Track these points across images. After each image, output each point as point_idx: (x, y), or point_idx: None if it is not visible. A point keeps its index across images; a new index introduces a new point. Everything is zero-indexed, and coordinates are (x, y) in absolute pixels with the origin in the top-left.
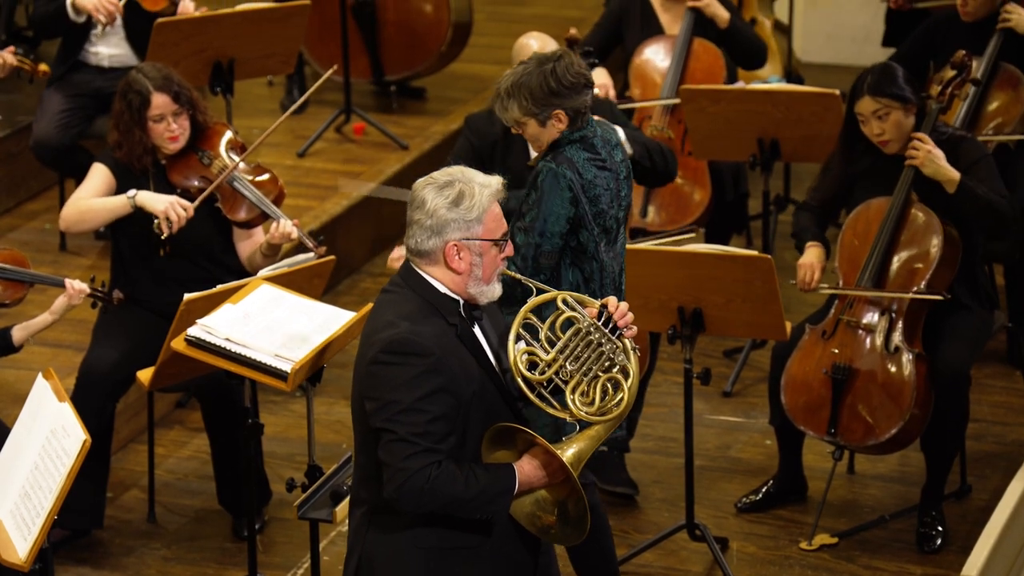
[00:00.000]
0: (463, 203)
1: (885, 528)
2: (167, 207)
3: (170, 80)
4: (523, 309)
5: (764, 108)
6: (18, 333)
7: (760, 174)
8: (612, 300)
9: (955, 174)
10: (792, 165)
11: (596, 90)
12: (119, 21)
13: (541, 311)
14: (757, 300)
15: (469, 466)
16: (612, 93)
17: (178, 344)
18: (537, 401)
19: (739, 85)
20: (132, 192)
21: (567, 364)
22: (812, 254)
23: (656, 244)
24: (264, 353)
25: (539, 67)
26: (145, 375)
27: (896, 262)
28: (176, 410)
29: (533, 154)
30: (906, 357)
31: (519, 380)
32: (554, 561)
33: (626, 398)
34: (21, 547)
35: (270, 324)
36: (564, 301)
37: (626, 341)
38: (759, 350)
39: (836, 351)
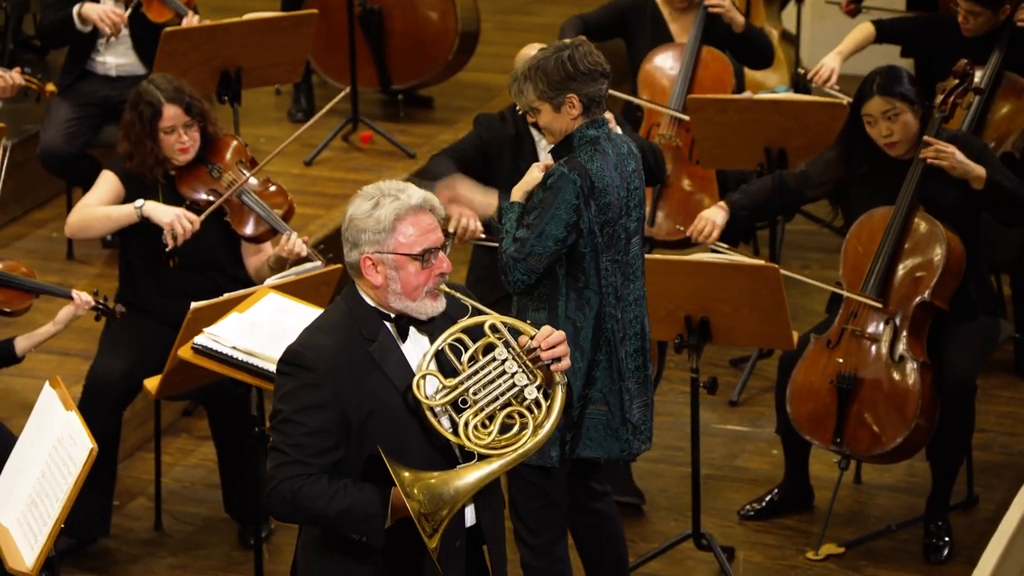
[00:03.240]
0: (374, 214)
1: (892, 538)
2: (173, 219)
3: (182, 92)
4: (450, 329)
5: (771, 117)
6: (21, 343)
7: None
8: (545, 329)
9: (981, 171)
10: None
11: None
12: (125, 31)
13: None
14: (764, 309)
15: (345, 483)
16: None
17: (185, 352)
18: (435, 423)
19: (746, 95)
20: (139, 202)
21: (470, 392)
22: (718, 212)
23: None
24: (270, 361)
25: (557, 52)
26: (152, 383)
27: (900, 271)
28: (183, 418)
29: (542, 156)
30: (911, 366)
31: (421, 400)
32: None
33: (528, 438)
34: (28, 555)
35: (277, 332)
36: (491, 326)
37: (556, 375)
38: (766, 359)
39: (841, 360)
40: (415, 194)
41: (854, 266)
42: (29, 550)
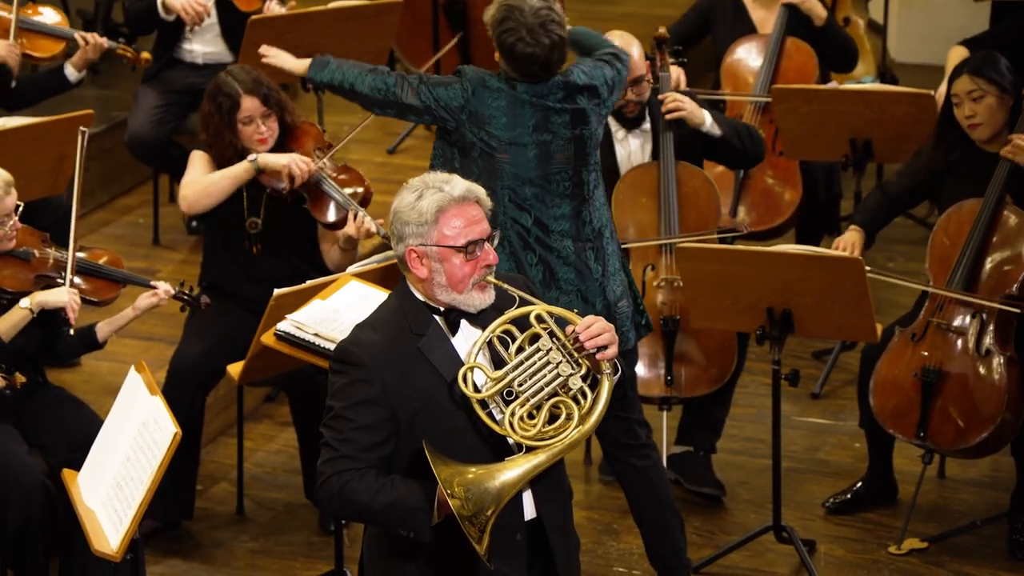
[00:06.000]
0: (416, 206)
1: (975, 533)
2: (289, 162)
3: (259, 83)
4: (497, 320)
5: (857, 108)
6: (103, 328)
7: (852, 175)
8: (588, 318)
9: None
10: (885, 166)
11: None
12: (214, 19)
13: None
14: (847, 302)
15: (392, 479)
16: (683, 81)
17: (268, 339)
18: (483, 416)
19: (832, 85)
20: (252, 156)
21: (516, 383)
22: (854, 236)
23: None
24: None
25: (521, 16)
26: (235, 369)
27: (988, 264)
28: (265, 404)
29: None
30: (997, 360)
31: (467, 393)
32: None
33: (574, 428)
34: (113, 537)
35: (359, 320)
36: (537, 316)
37: (603, 364)
38: (848, 352)
39: (926, 354)
40: (459, 185)
41: (941, 259)
42: (114, 532)
